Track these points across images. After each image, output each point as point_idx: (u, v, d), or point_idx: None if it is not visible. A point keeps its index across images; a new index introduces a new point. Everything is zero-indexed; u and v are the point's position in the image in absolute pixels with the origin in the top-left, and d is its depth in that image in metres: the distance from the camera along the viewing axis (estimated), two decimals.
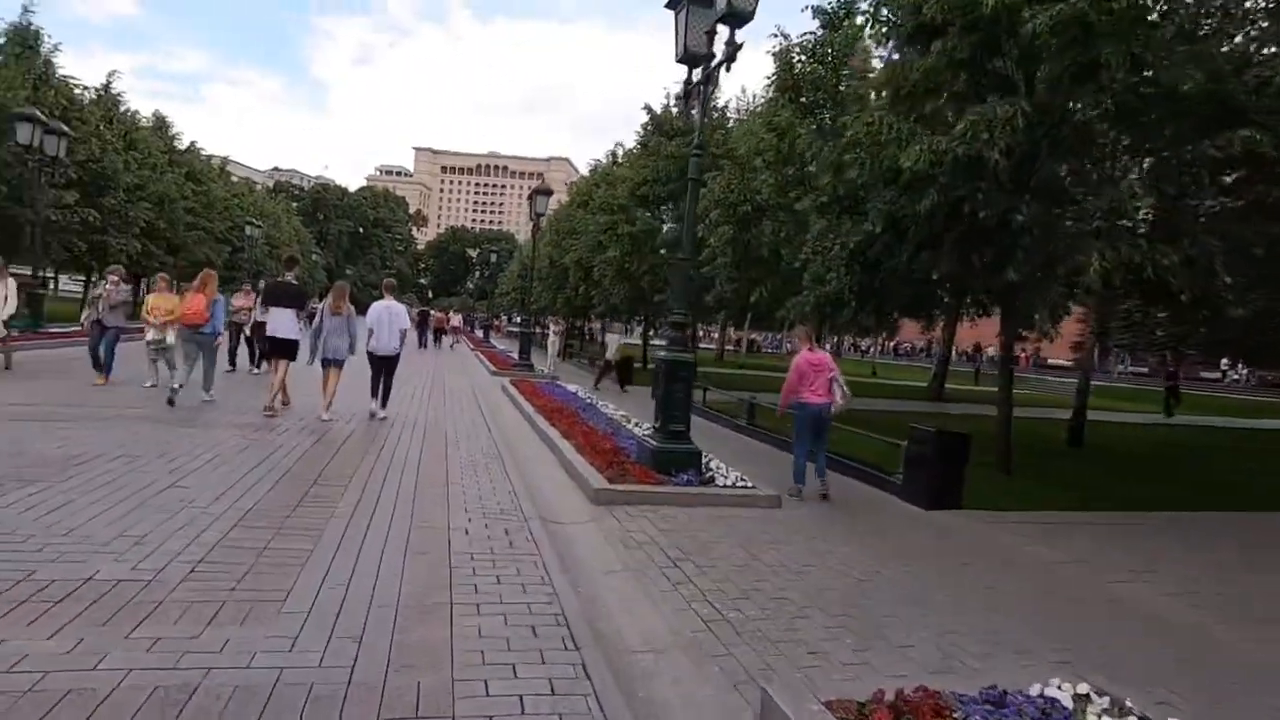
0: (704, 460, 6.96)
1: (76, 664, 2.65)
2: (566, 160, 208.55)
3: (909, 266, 8.29)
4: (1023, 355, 55.94)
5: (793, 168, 12.88)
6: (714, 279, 14.43)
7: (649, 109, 21.10)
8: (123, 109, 28.47)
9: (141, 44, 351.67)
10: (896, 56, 11.24)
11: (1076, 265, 6.81)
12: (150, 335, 9.89)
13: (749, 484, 6.68)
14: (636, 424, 9.82)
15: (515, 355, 23.59)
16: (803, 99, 13.30)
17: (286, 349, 9.05)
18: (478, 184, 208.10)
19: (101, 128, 24.69)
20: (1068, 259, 6.78)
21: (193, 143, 35.42)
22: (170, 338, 9.75)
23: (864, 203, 8.65)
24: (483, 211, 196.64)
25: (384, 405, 9.42)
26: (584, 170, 34.96)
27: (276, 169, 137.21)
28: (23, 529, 3.99)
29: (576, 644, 3.27)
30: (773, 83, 13.85)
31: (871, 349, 58.59)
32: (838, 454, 9.07)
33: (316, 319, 9.11)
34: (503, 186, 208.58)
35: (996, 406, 9.56)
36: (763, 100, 18.41)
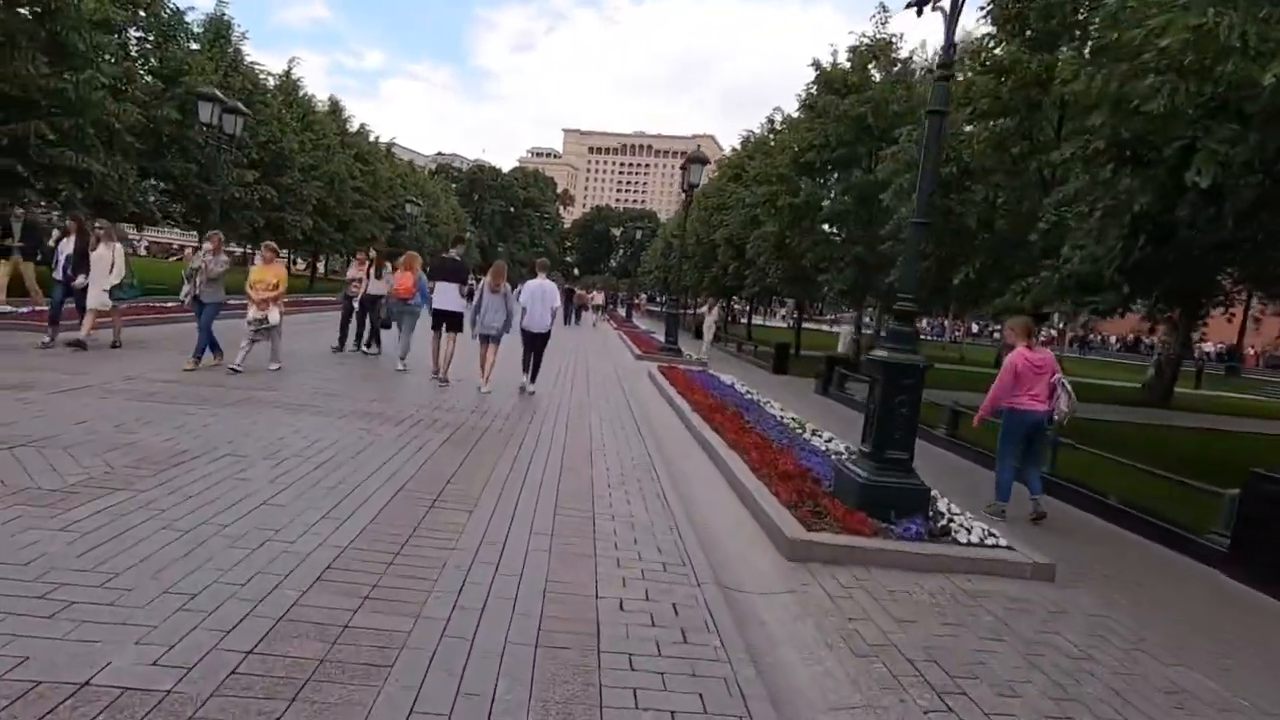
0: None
1: None
2: (711, 138, 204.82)
3: (1235, 233, 5.82)
4: (1252, 352, 46.84)
5: (1014, 117, 10.32)
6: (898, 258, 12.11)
7: (817, 64, 18.72)
8: (300, 94, 30.21)
9: (333, 44, 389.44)
10: None
11: None
12: (251, 314, 8.68)
13: (999, 540, 4.76)
14: (815, 432, 8.05)
15: (660, 338, 22.36)
16: (1029, 31, 10.68)
17: (452, 321, 9.63)
18: (622, 164, 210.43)
19: (282, 111, 26.18)
20: None
21: (362, 125, 37.35)
22: (274, 316, 8.72)
23: (1158, 148, 6.24)
24: (626, 190, 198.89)
25: (534, 380, 9.67)
26: (730, 146, 32.87)
27: (440, 153, 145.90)
28: (56, 572, 3.04)
29: None
30: (987, 13, 11.27)
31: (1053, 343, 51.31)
32: (1077, 483, 6.84)
33: (476, 295, 9.52)
34: (647, 166, 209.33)
35: None
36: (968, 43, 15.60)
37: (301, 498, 4.33)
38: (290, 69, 30.06)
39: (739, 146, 31.60)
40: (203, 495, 4.16)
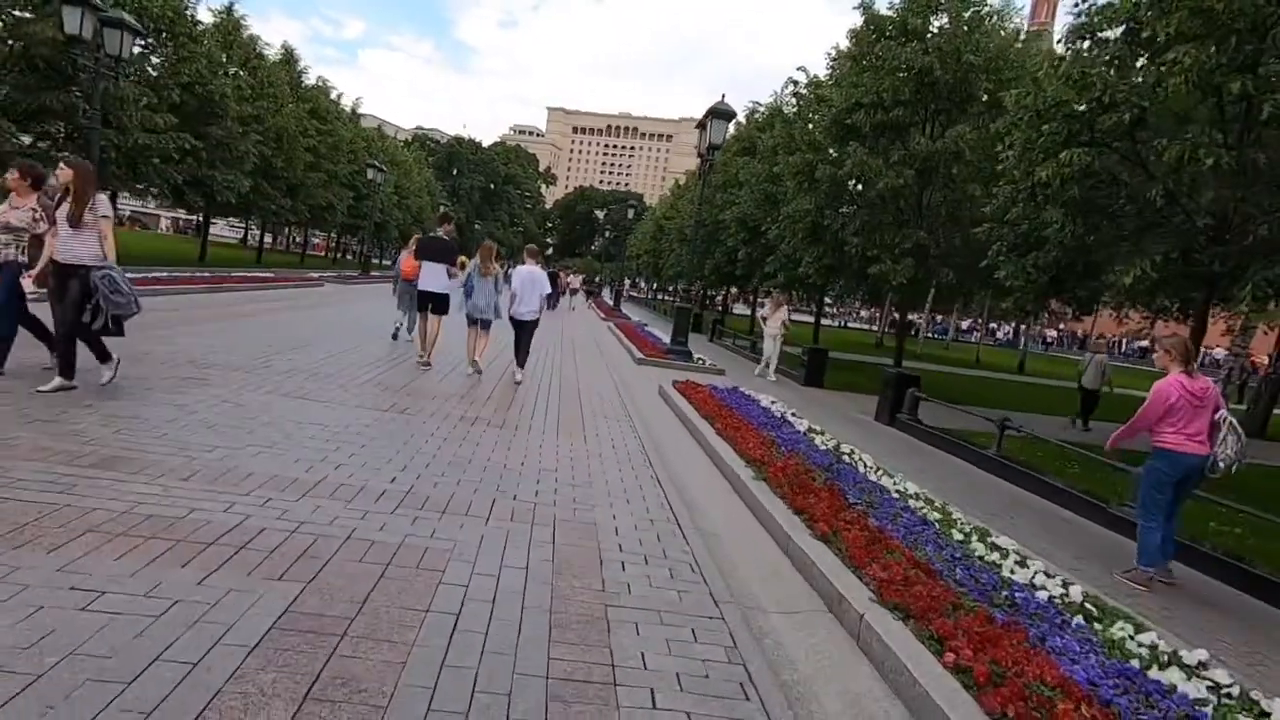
0: None
1: None
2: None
3: None
4: None
5: (1225, 39, 6.94)
6: (1025, 238, 8.69)
7: (865, 5, 15.21)
8: (244, 34, 25.95)
9: (310, 10, 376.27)
10: None
11: None
12: None
13: None
14: (989, 543, 4.64)
15: (658, 333, 18.91)
16: None
17: (438, 303, 9.32)
18: (607, 145, 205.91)
19: (213, 49, 22.01)
20: None
21: (321, 78, 33.02)
22: None
23: None
24: (611, 172, 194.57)
25: (522, 365, 9.46)
26: (735, 121, 29.22)
27: (419, 128, 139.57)
28: None
29: None
30: None
31: (974, 332, 47.38)
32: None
33: (465, 278, 9.36)
34: (631, 148, 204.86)
35: None
36: None
37: None
38: (233, 3, 25.76)
39: (743, 120, 28.10)
40: None
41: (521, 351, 9.44)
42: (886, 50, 13.89)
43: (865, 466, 6.35)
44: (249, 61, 24.96)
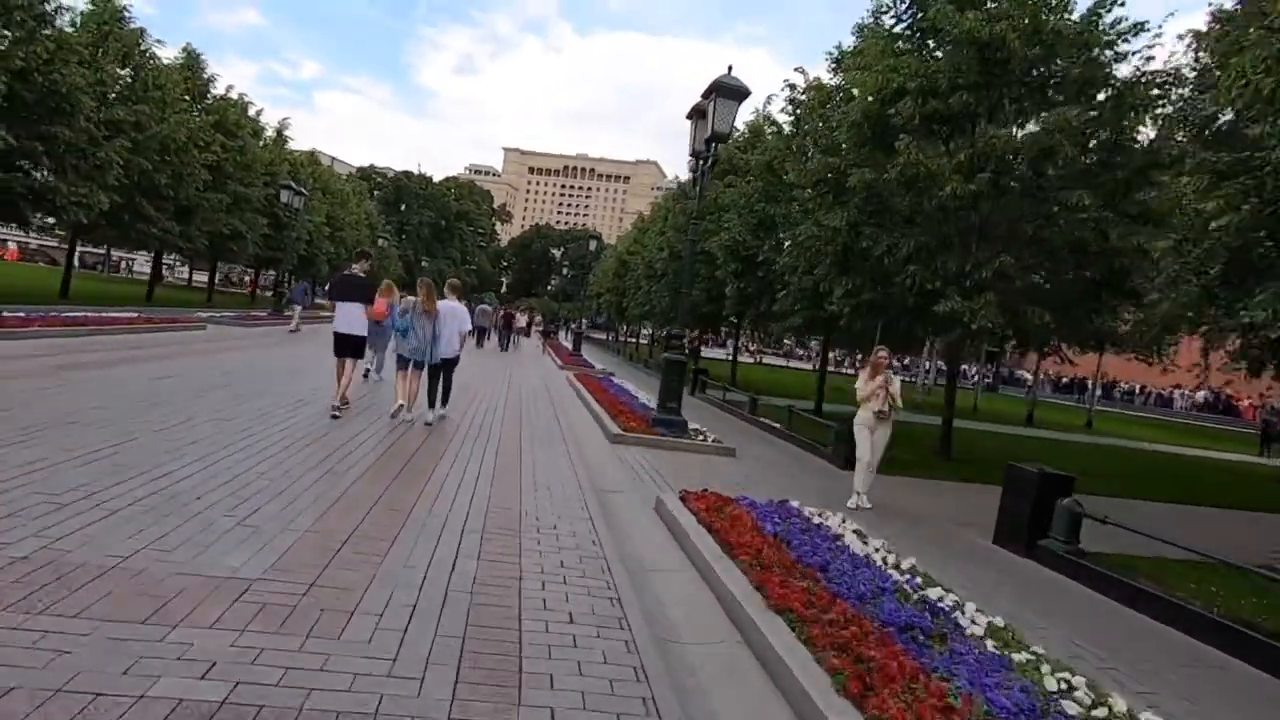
0: None
1: None
2: (654, 164, 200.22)
3: None
4: None
5: None
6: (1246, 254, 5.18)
7: None
8: (128, 28, 21.49)
9: (266, 52, 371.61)
10: None
11: None
12: None
13: None
14: None
15: (634, 390, 14.86)
16: None
17: (354, 346, 8.51)
18: (563, 185, 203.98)
19: (71, 35, 17.55)
20: None
21: (230, 88, 28.40)
22: None
23: None
24: (567, 213, 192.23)
25: (444, 404, 8.98)
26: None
27: (372, 166, 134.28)
28: None
29: None
30: None
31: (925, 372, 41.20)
32: None
33: (403, 316, 8.68)
34: (588, 189, 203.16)
35: None
36: None
37: None
38: None
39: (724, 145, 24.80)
40: None
41: (442, 391, 8.90)
42: (941, 17, 10.41)
43: None
44: (126, 57, 20.50)
